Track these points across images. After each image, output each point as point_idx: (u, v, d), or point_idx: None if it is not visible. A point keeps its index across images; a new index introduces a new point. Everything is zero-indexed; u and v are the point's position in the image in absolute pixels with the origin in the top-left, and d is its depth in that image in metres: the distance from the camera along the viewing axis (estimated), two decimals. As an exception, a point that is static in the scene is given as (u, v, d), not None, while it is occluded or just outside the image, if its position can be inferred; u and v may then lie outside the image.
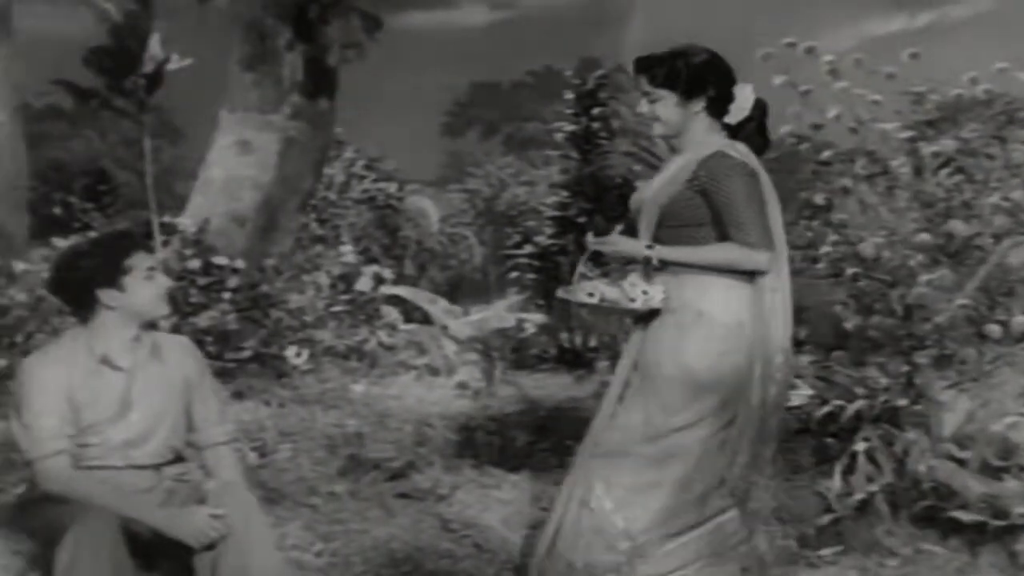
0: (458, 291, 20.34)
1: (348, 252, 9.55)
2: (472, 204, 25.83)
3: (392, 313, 8.54)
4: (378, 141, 16.01)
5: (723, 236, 5.00)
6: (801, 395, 7.09)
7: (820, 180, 8.54)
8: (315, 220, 11.52)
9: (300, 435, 6.99)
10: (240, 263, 8.31)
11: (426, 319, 11.06)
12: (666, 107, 5.08)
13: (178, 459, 5.02)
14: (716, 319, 4.97)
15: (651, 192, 5.12)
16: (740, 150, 5.06)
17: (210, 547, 4.62)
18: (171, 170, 19.30)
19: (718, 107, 5.12)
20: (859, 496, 6.14)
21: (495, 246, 22.68)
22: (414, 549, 5.72)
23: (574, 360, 9.65)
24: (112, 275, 4.86)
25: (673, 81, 5.05)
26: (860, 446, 6.46)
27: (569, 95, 12.20)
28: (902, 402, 6.68)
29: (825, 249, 8.45)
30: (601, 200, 11.06)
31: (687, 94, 5.06)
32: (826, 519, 6.01)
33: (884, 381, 6.93)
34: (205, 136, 12.05)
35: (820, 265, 8.63)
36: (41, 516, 4.82)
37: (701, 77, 5.08)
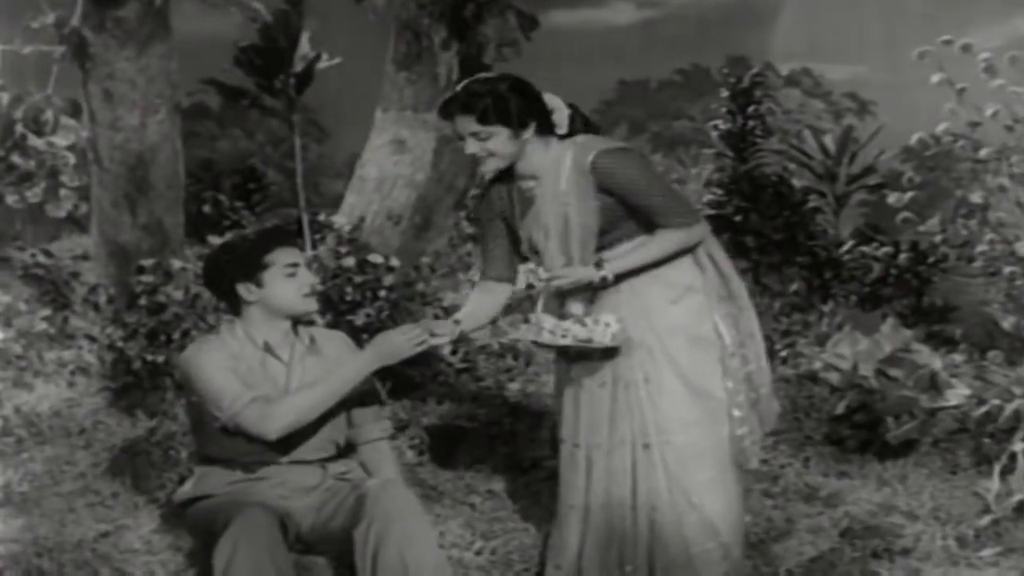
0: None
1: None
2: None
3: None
4: (527, 140, 16.09)
5: (647, 227, 5.05)
6: (958, 395, 7.03)
7: (977, 178, 8.46)
8: (465, 219, 11.55)
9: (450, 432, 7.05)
10: (395, 261, 8.36)
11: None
12: (500, 142, 4.99)
13: (340, 455, 5.08)
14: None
15: (575, 229, 5.03)
16: (606, 141, 5.11)
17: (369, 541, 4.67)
18: (317, 168, 19.41)
19: (544, 127, 5.06)
20: (1019, 497, 6.06)
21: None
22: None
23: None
24: (250, 270, 4.93)
25: (506, 115, 4.97)
26: (1019, 446, 6.39)
27: (724, 93, 12.11)
28: (1062, 401, 6.61)
29: (981, 248, 8.38)
30: (757, 198, 10.99)
31: (519, 124, 5.00)
32: (985, 520, 5.95)
33: (1043, 380, 6.87)
34: (351, 135, 12.14)
35: (976, 264, 8.55)
36: (199, 514, 4.91)
37: (526, 104, 5.03)
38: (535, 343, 5.07)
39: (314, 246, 8.72)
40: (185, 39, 9.56)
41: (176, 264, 8.08)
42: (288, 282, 4.93)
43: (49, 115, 12.85)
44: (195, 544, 5.14)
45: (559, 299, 5.12)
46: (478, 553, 5.64)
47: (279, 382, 4.95)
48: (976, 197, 8.39)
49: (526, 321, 5.10)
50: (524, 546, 5.64)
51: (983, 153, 8.33)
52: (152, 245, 8.64)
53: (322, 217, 9.32)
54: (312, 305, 5.01)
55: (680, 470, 5.04)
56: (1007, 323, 8.42)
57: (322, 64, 10.80)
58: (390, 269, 8.28)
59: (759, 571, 5.55)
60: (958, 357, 7.99)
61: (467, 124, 5.00)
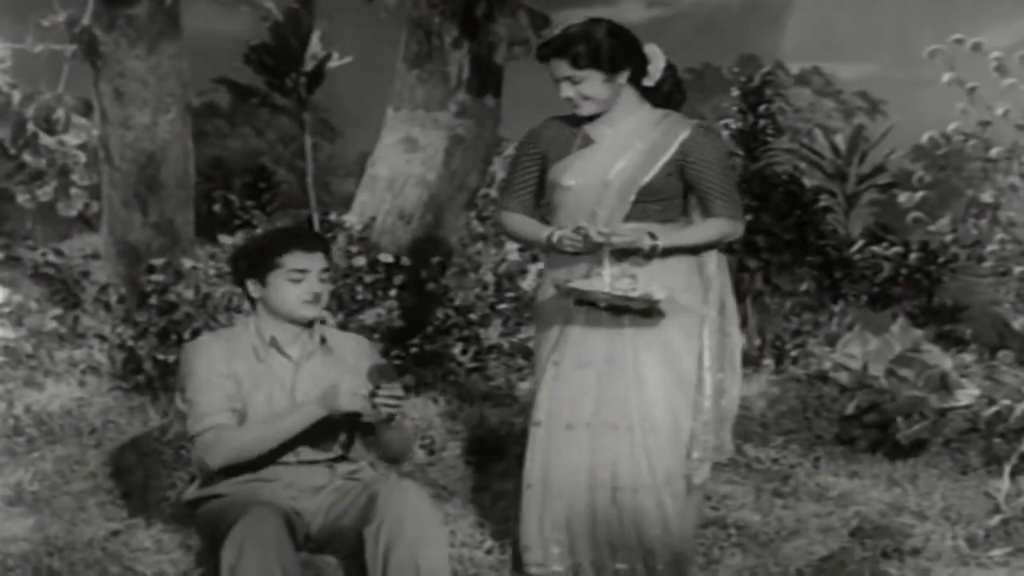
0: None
1: (513, 250, 9.59)
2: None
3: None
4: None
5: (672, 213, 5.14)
6: (968, 395, 7.03)
7: (987, 178, 8.46)
8: (476, 218, 11.55)
9: (468, 433, 7.05)
10: (406, 260, 8.37)
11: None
12: (593, 86, 5.07)
13: (347, 456, 5.06)
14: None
15: (621, 173, 5.09)
16: (701, 122, 5.25)
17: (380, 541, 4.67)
18: (328, 167, 19.45)
19: (638, 74, 5.15)
20: (1029, 497, 6.08)
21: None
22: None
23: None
24: (258, 268, 4.92)
25: (597, 58, 5.05)
26: (1029, 446, 6.41)
27: (734, 92, 12.11)
28: (1072, 401, 6.61)
29: (992, 248, 8.38)
30: (768, 198, 10.99)
31: (612, 68, 5.07)
32: (995, 520, 5.94)
33: (1053, 380, 6.87)
34: (362, 134, 12.14)
35: (986, 264, 8.55)
36: (207, 514, 4.90)
37: (621, 48, 5.10)
38: (579, 298, 5.05)
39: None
40: (196, 38, 9.57)
41: (187, 263, 8.09)
42: (291, 287, 4.90)
43: (60, 114, 12.90)
44: (203, 543, 5.14)
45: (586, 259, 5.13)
46: (488, 552, 5.64)
47: (286, 381, 4.93)
48: (987, 196, 8.39)
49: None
50: (534, 545, 5.62)
51: (994, 152, 8.34)
52: (163, 244, 8.65)
53: (333, 216, 9.32)
54: (312, 313, 4.95)
55: (659, 454, 5.07)
56: (1017, 323, 8.43)
57: (333, 63, 10.85)
58: (401, 268, 8.29)
59: (768, 570, 5.55)
60: (968, 357, 8.00)
61: (561, 67, 5.08)
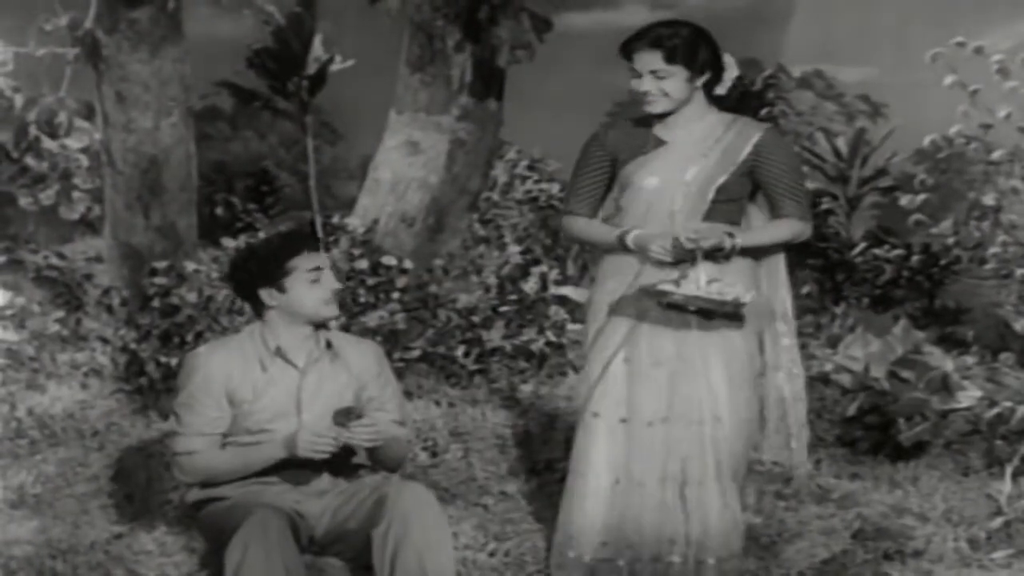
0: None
1: (515, 253, 9.61)
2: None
3: (560, 313, 8.56)
4: (540, 142, 16.14)
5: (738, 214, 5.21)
6: (970, 396, 7.03)
7: (989, 180, 8.47)
8: (478, 221, 11.57)
9: (470, 435, 7.05)
10: (408, 263, 8.38)
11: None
12: (676, 83, 5.09)
13: (350, 461, 5.06)
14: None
15: (699, 173, 5.13)
16: (772, 125, 5.32)
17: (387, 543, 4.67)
18: (330, 171, 19.40)
19: (714, 80, 5.20)
20: (1031, 499, 6.08)
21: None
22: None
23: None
24: (273, 275, 4.90)
25: (691, 57, 5.08)
26: (1030, 448, 6.41)
27: (736, 95, 12.14)
28: (1074, 403, 6.61)
29: (994, 250, 8.39)
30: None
31: (699, 69, 5.11)
32: (997, 522, 5.94)
33: (1055, 383, 6.87)
34: (364, 137, 12.14)
35: (988, 266, 8.56)
36: (211, 516, 4.91)
37: (710, 52, 5.15)
38: (672, 302, 5.03)
39: (327, 248, 8.73)
40: (198, 41, 9.58)
41: (189, 266, 8.10)
42: (311, 288, 4.90)
43: (62, 117, 12.89)
44: (207, 546, 5.15)
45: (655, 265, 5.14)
46: (491, 555, 5.63)
47: (291, 388, 4.93)
48: (989, 199, 8.40)
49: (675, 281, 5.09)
50: (537, 548, 5.63)
51: (996, 155, 8.35)
52: (165, 247, 8.67)
53: (335, 219, 9.35)
54: (334, 311, 4.97)
55: (724, 449, 5.13)
56: (1019, 325, 8.43)
57: (335, 66, 10.84)
58: (403, 271, 8.30)
59: (771, 573, 5.56)
60: (970, 359, 8.00)
61: (651, 60, 5.07)
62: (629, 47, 5.13)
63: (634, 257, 5.16)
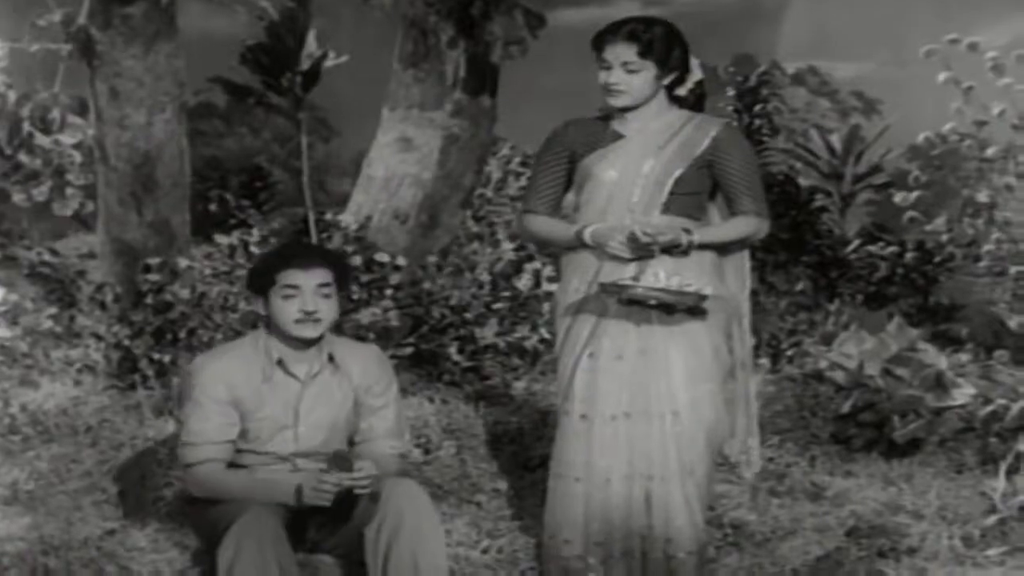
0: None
1: (509, 249, 9.59)
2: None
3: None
4: (533, 138, 16.20)
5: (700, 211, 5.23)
6: (964, 394, 7.03)
7: (983, 177, 8.48)
8: (471, 217, 11.55)
9: (463, 432, 7.04)
10: (402, 260, 8.37)
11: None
12: (645, 79, 5.13)
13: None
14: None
15: (656, 165, 5.14)
16: (729, 121, 5.37)
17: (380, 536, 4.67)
18: (324, 167, 19.40)
19: (678, 80, 5.23)
20: (1024, 496, 6.08)
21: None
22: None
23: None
24: (261, 286, 4.95)
25: (664, 55, 5.12)
26: (1024, 446, 6.41)
27: (730, 91, 12.12)
28: (1068, 401, 6.61)
29: (988, 247, 8.39)
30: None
31: (669, 68, 5.15)
32: (991, 519, 5.94)
33: (1049, 379, 6.87)
34: (358, 133, 12.14)
35: (982, 263, 8.56)
36: (203, 514, 4.91)
37: (681, 52, 5.19)
38: (631, 297, 5.01)
39: (320, 245, 8.73)
40: (192, 37, 9.56)
41: (182, 263, 8.10)
42: (284, 304, 4.89)
43: (56, 113, 12.90)
44: (200, 543, 5.15)
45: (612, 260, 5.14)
46: (484, 552, 5.63)
47: (291, 400, 4.94)
48: (982, 196, 8.41)
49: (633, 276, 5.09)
50: (530, 545, 5.63)
51: (990, 152, 8.35)
52: (158, 243, 8.65)
53: (328, 216, 9.34)
54: (306, 332, 4.91)
55: (683, 444, 5.11)
56: (1013, 322, 8.43)
57: (329, 62, 10.80)
58: (397, 268, 8.29)
59: (765, 570, 5.55)
60: (964, 356, 8.00)
61: (625, 52, 5.10)
62: (603, 38, 5.16)
63: (593, 254, 5.16)
